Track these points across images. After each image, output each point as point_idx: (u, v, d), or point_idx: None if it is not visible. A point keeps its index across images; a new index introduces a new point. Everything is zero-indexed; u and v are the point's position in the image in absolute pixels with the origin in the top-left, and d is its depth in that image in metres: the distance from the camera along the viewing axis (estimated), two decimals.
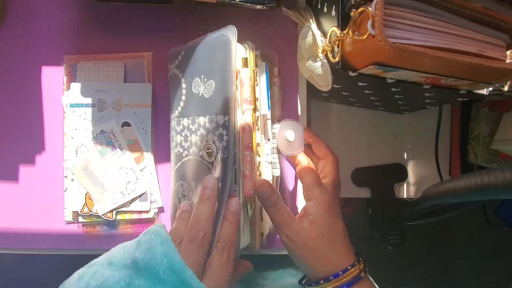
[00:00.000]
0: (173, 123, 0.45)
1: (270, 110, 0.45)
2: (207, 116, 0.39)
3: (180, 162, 0.44)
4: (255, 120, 0.41)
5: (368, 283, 0.39)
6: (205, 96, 0.40)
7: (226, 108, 0.37)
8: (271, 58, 0.49)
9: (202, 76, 0.40)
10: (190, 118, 0.42)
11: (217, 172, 0.38)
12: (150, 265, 0.30)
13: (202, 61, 0.41)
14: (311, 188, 0.40)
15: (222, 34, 0.39)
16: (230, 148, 0.37)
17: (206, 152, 0.39)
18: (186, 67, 0.42)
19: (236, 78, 0.39)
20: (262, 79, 0.44)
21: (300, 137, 0.44)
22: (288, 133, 0.43)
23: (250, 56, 0.41)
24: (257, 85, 0.42)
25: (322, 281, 0.38)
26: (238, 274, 0.40)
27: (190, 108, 0.42)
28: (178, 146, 0.44)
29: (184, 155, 0.43)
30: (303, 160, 0.43)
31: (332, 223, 0.39)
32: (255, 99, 0.41)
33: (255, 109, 0.41)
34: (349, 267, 0.38)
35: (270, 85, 0.48)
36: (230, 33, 0.38)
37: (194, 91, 0.41)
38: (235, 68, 0.38)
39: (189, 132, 0.42)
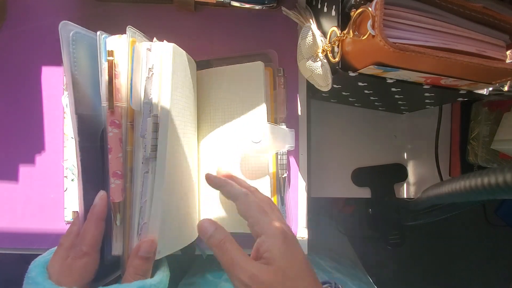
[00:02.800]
0: None
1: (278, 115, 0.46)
2: None
3: None
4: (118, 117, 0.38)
5: None
6: None
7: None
8: (271, 57, 0.49)
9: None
10: None
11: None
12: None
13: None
14: (257, 218, 0.36)
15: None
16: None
17: None
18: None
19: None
20: (124, 68, 0.39)
21: (270, 140, 0.42)
22: (254, 136, 0.41)
23: (269, 71, 0.43)
24: (116, 78, 0.38)
25: None
26: (138, 256, 0.36)
27: None
28: None
29: None
30: (241, 194, 0.38)
31: (291, 255, 0.33)
32: (114, 92, 0.38)
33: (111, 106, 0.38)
34: None
35: (274, 85, 0.48)
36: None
37: None
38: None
39: None
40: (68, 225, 0.49)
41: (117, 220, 0.38)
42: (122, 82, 0.38)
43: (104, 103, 0.38)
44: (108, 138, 0.37)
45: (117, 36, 0.39)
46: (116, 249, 0.38)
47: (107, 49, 0.38)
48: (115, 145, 0.38)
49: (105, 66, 0.38)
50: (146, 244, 0.36)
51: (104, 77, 0.38)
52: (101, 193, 0.38)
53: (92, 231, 0.37)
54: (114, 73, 0.38)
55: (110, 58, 0.38)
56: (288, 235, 0.35)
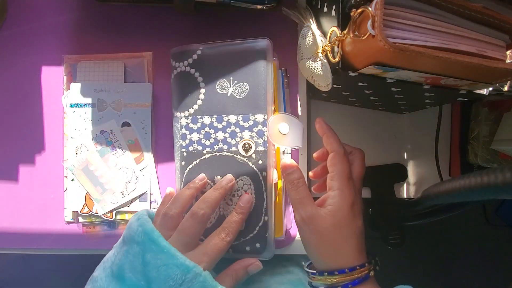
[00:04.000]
0: (184, 121, 0.45)
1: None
2: (241, 115, 0.43)
3: (198, 160, 0.44)
4: None
5: (373, 285, 0.37)
6: (236, 96, 0.43)
7: (264, 108, 0.43)
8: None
9: (231, 78, 0.44)
10: (215, 116, 0.44)
11: (258, 163, 0.43)
12: (129, 235, 0.37)
13: (231, 65, 0.44)
14: (339, 178, 0.38)
15: (257, 43, 0.43)
16: (270, 142, 0.43)
17: (243, 148, 0.43)
18: (207, 67, 0.44)
19: None
20: (280, 85, 0.47)
21: (298, 133, 0.43)
22: (282, 125, 0.43)
23: (273, 65, 0.45)
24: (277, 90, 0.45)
25: (326, 273, 0.37)
26: (246, 270, 0.41)
27: (212, 107, 0.44)
28: (195, 144, 0.44)
29: (204, 152, 0.44)
30: (339, 149, 0.40)
31: (352, 218, 0.37)
32: (277, 102, 0.46)
33: (275, 110, 0.45)
34: (357, 267, 0.36)
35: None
36: (266, 44, 0.43)
37: (219, 91, 0.44)
38: (272, 75, 0.43)
39: (212, 129, 0.44)
40: (68, 225, 0.49)
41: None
42: None
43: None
44: None
45: None
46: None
47: None
48: None
49: None
50: (256, 265, 0.41)
51: None
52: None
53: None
54: None
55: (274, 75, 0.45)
56: (355, 204, 0.38)
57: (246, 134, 0.43)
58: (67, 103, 0.48)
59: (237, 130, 0.43)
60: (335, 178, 0.38)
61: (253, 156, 0.43)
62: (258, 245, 0.42)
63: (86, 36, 0.51)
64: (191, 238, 0.38)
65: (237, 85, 0.43)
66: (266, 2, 0.46)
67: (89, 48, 0.50)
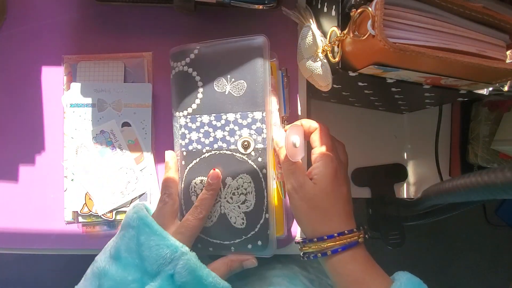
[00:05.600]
0: (183, 120, 0.45)
1: (286, 113, 0.48)
2: (239, 113, 0.43)
3: (198, 159, 0.44)
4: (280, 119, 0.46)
5: (363, 251, 0.38)
6: (234, 94, 0.43)
7: (262, 105, 0.43)
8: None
9: (229, 76, 0.44)
10: (213, 115, 0.44)
11: (258, 161, 0.43)
12: (126, 222, 0.40)
13: (228, 63, 0.44)
14: (321, 149, 0.41)
15: (253, 41, 0.43)
16: (269, 139, 0.43)
17: (242, 146, 0.43)
18: (204, 66, 0.45)
19: None
20: (280, 85, 0.47)
21: (303, 140, 0.44)
22: (294, 138, 0.42)
23: (273, 65, 0.45)
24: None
25: (315, 239, 0.38)
26: (241, 263, 0.42)
27: (210, 106, 0.44)
28: (195, 143, 0.44)
29: (204, 151, 0.44)
30: (321, 125, 0.43)
31: (337, 184, 0.39)
32: (278, 103, 0.46)
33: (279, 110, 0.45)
34: (346, 231, 0.38)
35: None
36: (262, 40, 0.43)
37: (217, 90, 0.44)
38: (269, 72, 0.43)
39: (211, 128, 0.44)
40: (68, 225, 0.49)
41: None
42: None
43: None
44: None
45: None
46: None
47: None
48: None
49: None
50: (251, 262, 0.42)
51: None
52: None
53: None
54: None
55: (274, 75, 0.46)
56: (339, 173, 0.40)
57: (245, 132, 0.43)
58: (67, 103, 0.48)
59: (236, 128, 0.43)
60: (318, 150, 0.41)
61: (252, 153, 0.43)
62: (260, 242, 0.42)
63: (86, 36, 0.51)
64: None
65: (234, 83, 0.43)
66: (266, 2, 0.46)
67: (89, 48, 0.50)
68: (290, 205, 0.41)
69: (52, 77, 0.50)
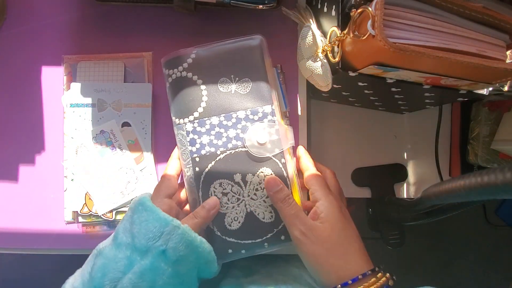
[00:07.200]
0: (189, 126, 0.44)
1: (286, 108, 0.48)
2: (249, 109, 0.44)
3: (213, 162, 0.44)
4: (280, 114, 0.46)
5: None
6: (241, 92, 0.44)
7: (270, 99, 0.44)
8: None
9: (232, 76, 0.44)
10: (223, 115, 0.44)
11: (275, 152, 0.43)
12: (129, 208, 0.40)
13: (228, 63, 0.44)
14: (320, 189, 0.40)
15: (250, 41, 0.44)
16: (281, 130, 0.43)
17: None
18: (204, 69, 0.45)
19: None
20: (277, 81, 0.47)
21: (275, 138, 0.43)
22: (259, 136, 0.43)
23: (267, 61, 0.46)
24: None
25: (339, 286, 0.35)
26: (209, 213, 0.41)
27: (218, 106, 0.44)
28: (207, 146, 0.44)
29: (219, 152, 0.44)
30: (311, 167, 0.43)
31: (345, 221, 0.38)
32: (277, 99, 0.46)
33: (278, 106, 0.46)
34: (368, 272, 0.35)
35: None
36: (260, 40, 0.44)
37: (222, 90, 0.44)
38: (271, 67, 0.45)
39: (223, 128, 0.44)
40: (68, 225, 0.49)
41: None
42: None
43: None
44: None
45: None
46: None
47: None
48: None
49: None
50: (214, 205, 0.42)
51: None
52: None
53: None
54: None
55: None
56: (343, 209, 0.39)
57: None
58: (67, 103, 0.48)
59: (248, 124, 0.43)
60: (316, 190, 0.40)
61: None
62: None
63: (86, 36, 0.51)
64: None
65: (239, 82, 0.44)
66: (266, 2, 0.46)
67: (89, 48, 0.50)
68: (301, 254, 0.38)
69: (52, 77, 0.50)
